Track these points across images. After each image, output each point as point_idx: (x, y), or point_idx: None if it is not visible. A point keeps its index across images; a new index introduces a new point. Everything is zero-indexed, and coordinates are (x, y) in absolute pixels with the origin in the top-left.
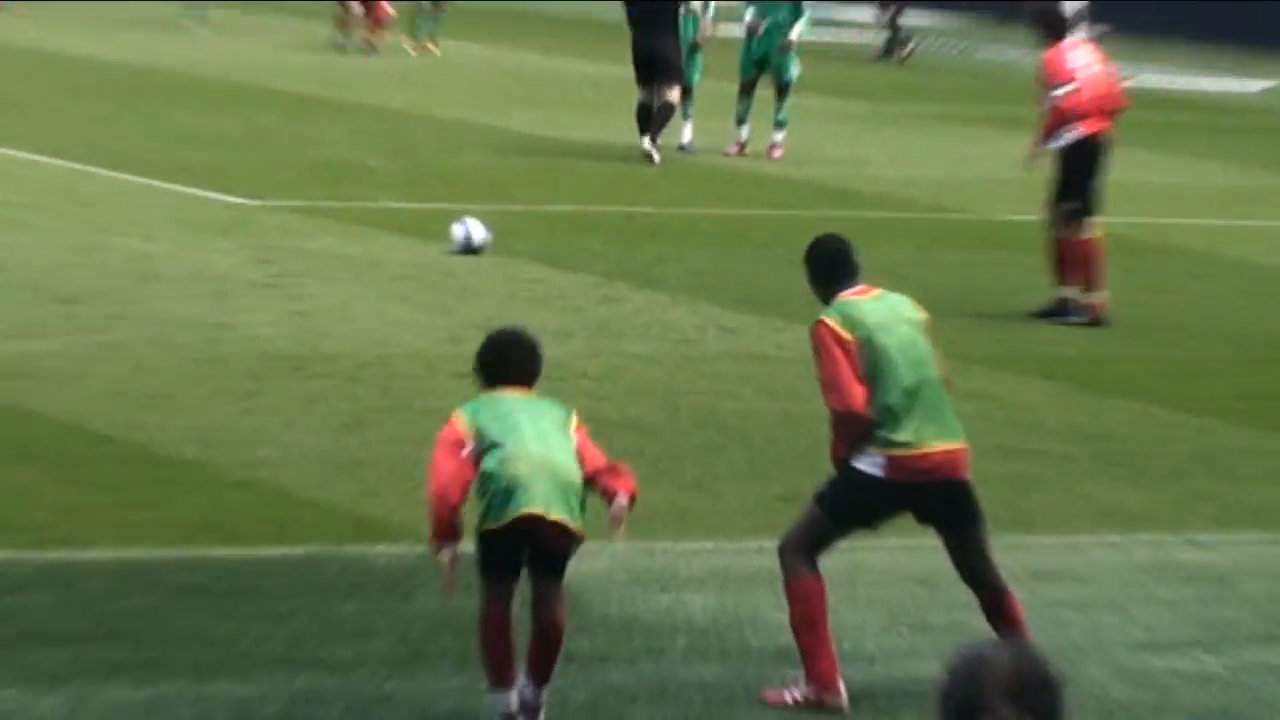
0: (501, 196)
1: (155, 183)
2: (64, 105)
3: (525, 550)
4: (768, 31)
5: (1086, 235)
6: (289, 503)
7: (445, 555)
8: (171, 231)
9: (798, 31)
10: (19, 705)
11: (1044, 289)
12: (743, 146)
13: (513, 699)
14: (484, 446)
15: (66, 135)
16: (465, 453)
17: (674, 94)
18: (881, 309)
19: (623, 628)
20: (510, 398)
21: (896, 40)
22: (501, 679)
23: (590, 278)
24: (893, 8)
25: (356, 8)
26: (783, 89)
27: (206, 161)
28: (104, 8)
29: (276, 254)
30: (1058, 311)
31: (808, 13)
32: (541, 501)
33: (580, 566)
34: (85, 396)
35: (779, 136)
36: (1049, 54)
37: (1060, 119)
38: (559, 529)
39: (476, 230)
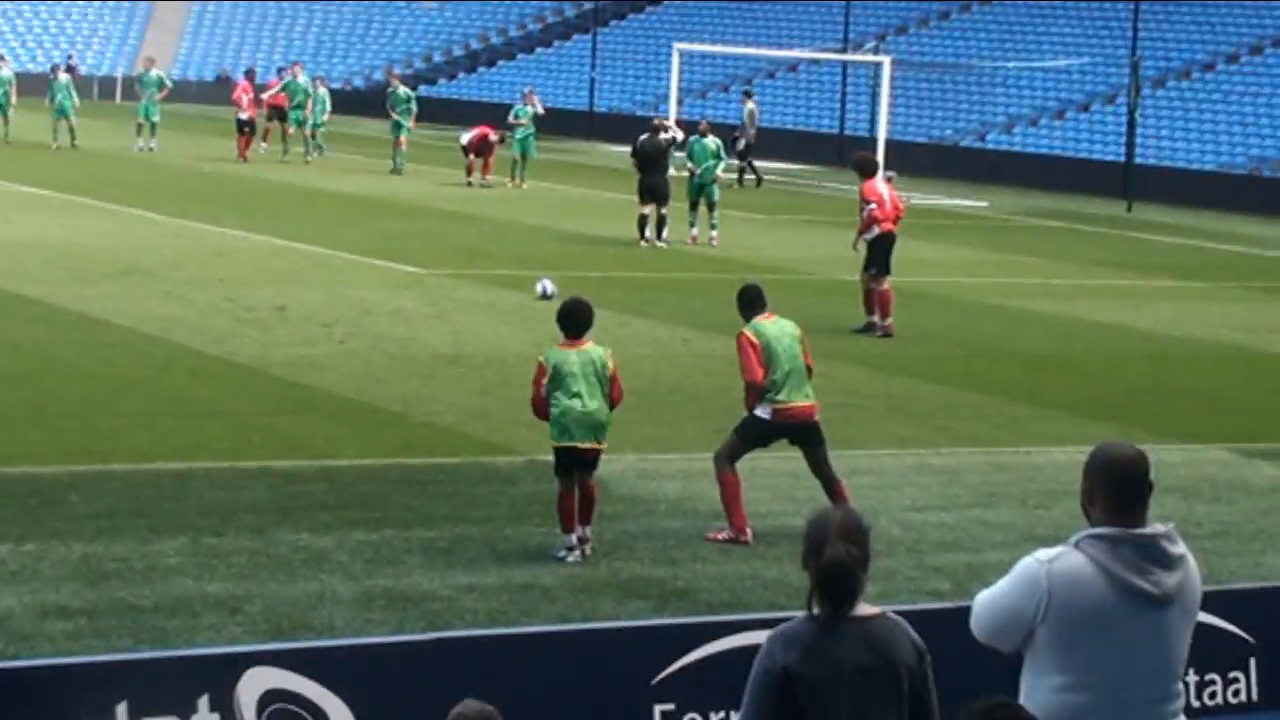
0: (563, 267)
1: (369, 260)
2: (317, 217)
3: (574, 458)
4: (702, 172)
5: (883, 287)
6: (451, 436)
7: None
8: (379, 287)
9: (719, 170)
10: (308, 543)
11: (858, 317)
12: (695, 239)
13: (573, 537)
14: (552, 388)
15: (319, 234)
16: (544, 383)
17: (664, 209)
18: (776, 327)
19: (629, 499)
20: (571, 352)
21: (744, 173)
22: (567, 527)
23: (612, 312)
24: (741, 147)
25: (475, 160)
26: (712, 206)
27: (398, 247)
28: (335, 162)
29: (438, 300)
30: (867, 330)
31: (723, 161)
32: (580, 437)
33: (608, 468)
34: (338, 377)
35: (714, 234)
36: (865, 184)
37: (870, 222)
38: (591, 451)
39: (549, 285)
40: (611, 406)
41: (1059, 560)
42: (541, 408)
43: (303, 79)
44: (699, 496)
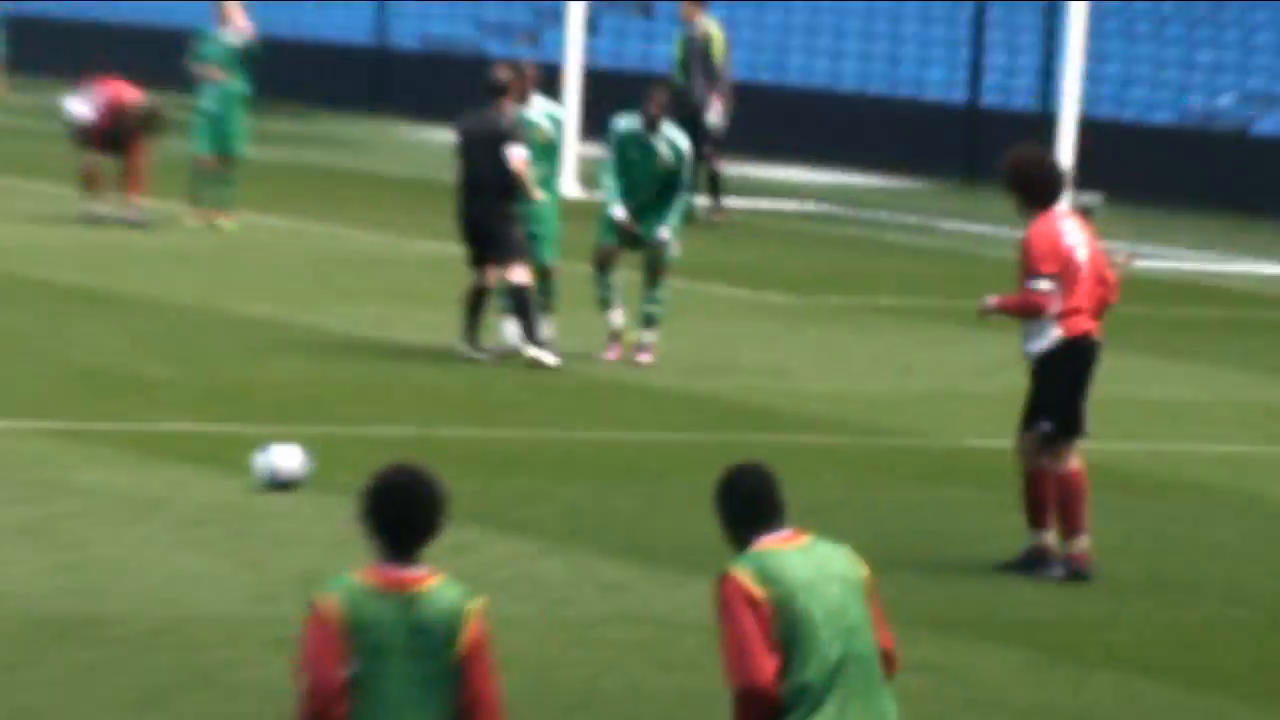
0: (319, 417)
1: None
2: None
3: None
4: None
5: (1069, 466)
6: None
7: None
8: None
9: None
10: None
11: (1013, 535)
12: (617, 348)
13: None
14: (352, 672)
15: None
16: (331, 667)
17: (519, 277)
18: (809, 563)
19: None
20: (389, 599)
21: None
22: None
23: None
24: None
25: (95, 161)
26: (658, 272)
27: None
28: None
29: (35, 491)
30: (1031, 563)
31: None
32: None
33: None
34: None
35: (647, 337)
36: (1035, 226)
37: (1031, 311)
38: None
39: (286, 459)
40: None
41: None
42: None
43: None
44: None
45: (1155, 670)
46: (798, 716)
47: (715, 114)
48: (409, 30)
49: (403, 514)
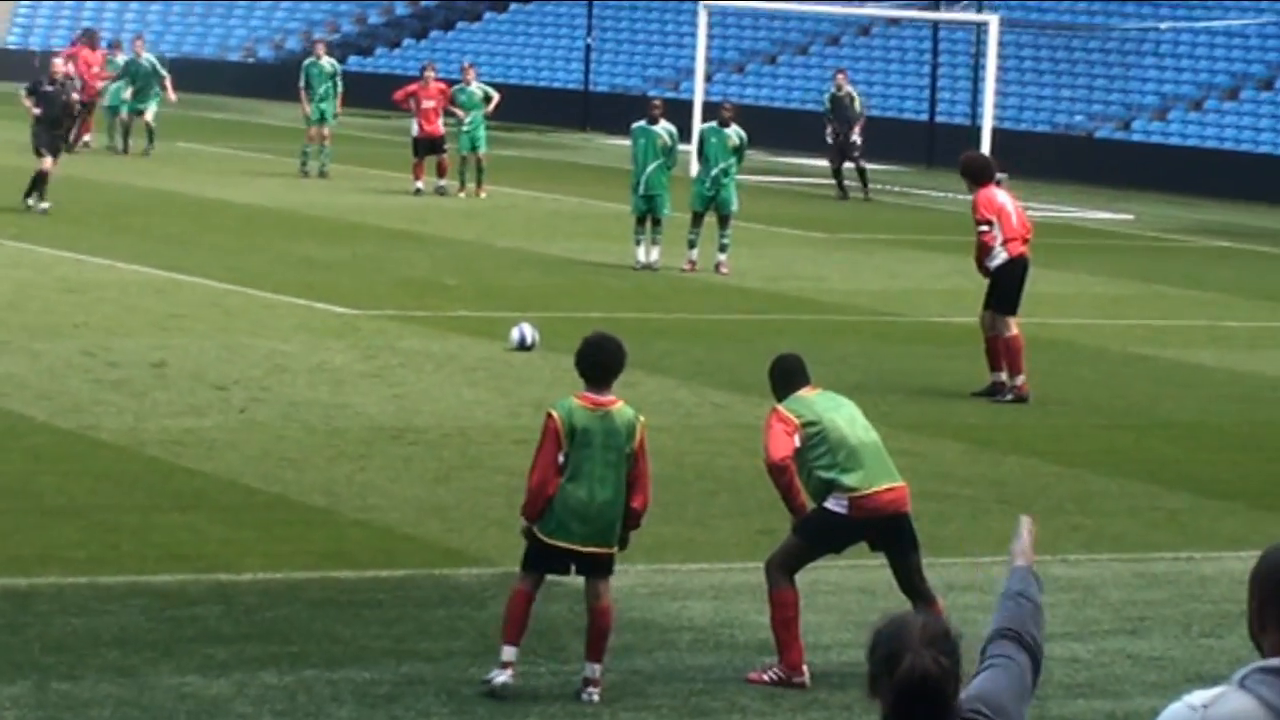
0: (547, 306)
1: (283, 298)
2: (212, 239)
3: (562, 560)
4: (719, 174)
5: (1012, 332)
6: (393, 537)
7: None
8: (298, 334)
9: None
10: (196, 688)
11: (955, 373)
12: (693, 264)
13: (512, 651)
14: (565, 461)
15: (214, 262)
16: (562, 451)
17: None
18: (828, 399)
19: (643, 627)
20: (593, 413)
21: (841, 178)
22: (510, 636)
23: None
24: (856, 155)
25: (426, 160)
26: (726, 219)
27: (322, 281)
28: (235, 161)
29: (378, 351)
30: (993, 392)
31: (741, 159)
32: (581, 536)
33: (611, 582)
34: (238, 459)
35: (724, 257)
36: (979, 195)
37: (987, 248)
38: (597, 555)
39: (528, 332)
40: (639, 507)
41: (1219, 704)
42: (549, 487)
43: (147, 59)
44: (737, 622)
45: (1043, 454)
46: (839, 478)
47: (857, 137)
48: (604, 81)
49: (599, 360)
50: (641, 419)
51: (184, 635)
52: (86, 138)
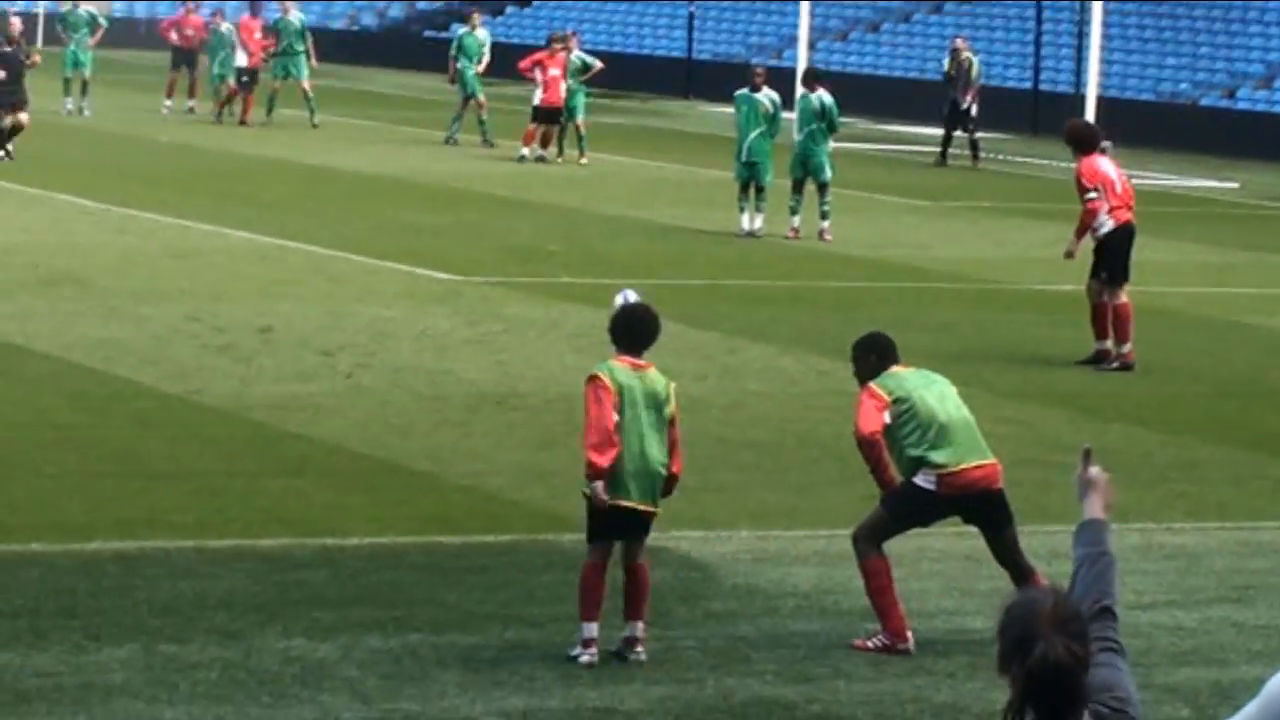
0: (650, 273)
1: (387, 264)
2: (316, 206)
3: (623, 521)
4: (753, 141)
5: (1121, 300)
6: (497, 502)
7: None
8: (402, 301)
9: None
10: (302, 652)
11: (1059, 341)
12: (797, 232)
13: (593, 628)
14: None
15: (319, 228)
16: (615, 412)
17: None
18: (920, 376)
19: (747, 593)
20: (635, 375)
21: (947, 147)
22: (589, 613)
23: (719, 334)
24: (971, 125)
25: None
26: (822, 187)
27: (426, 247)
28: (340, 128)
29: (482, 318)
30: (1098, 360)
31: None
32: (638, 495)
33: (715, 548)
34: (344, 424)
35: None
36: (1083, 163)
37: (1091, 216)
38: (647, 514)
39: (632, 298)
40: (678, 471)
41: None
42: (612, 445)
43: (296, 18)
44: (842, 588)
45: (1147, 423)
46: (929, 455)
47: (971, 106)
48: (706, 49)
49: (636, 328)
50: (673, 385)
51: (290, 599)
52: (249, 112)
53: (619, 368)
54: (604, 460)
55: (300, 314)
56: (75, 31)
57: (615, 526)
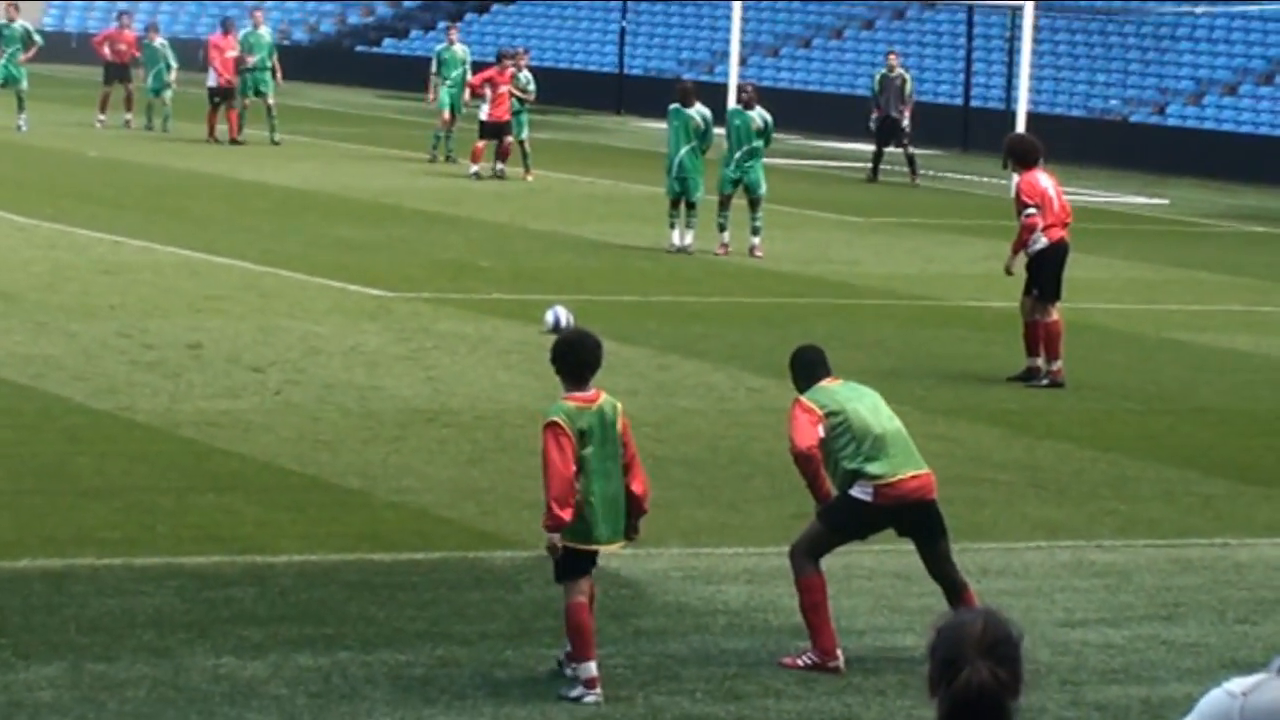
0: (581, 289)
1: (318, 279)
2: (247, 221)
3: (592, 560)
4: (742, 157)
5: (1052, 318)
6: (428, 519)
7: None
8: (333, 316)
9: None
10: (231, 669)
11: (990, 358)
12: (726, 247)
13: (593, 666)
14: (579, 457)
15: (250, 244)
16: (572, 456)
17: None
18: (849, 389)
19: (677, 610)
20: (587, 410)
21: (912, 167)
22: (584, 652)
23: (649, 350)
24: (906, 141)
25: (481, 145)
26: (756, 202)
27: (357, 263)
28: (271, 144)
29: (413, 334)
30: (1028, 377)
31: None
32: (608, 535)
33: (645, 565)
34: (274, 441)
35: (757, 240)
36: (1023, 179)
37: (1028, 232)
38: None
39: (563, 315)
40: (641, 490)
41: (1259, 692)
42: (573, 494)
43: (266, 33)
44: (772, 606)
45: (1078, 439)
46: (864, 467)
47: (907, 122)
48: (638, 64)
49: (580, 359)
50: (619, 405)
51: (219, 617)
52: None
53: (574, 410)
54: (566, 514)
55: (230, 330)
56: (9, 46)
57: (586, 565)
